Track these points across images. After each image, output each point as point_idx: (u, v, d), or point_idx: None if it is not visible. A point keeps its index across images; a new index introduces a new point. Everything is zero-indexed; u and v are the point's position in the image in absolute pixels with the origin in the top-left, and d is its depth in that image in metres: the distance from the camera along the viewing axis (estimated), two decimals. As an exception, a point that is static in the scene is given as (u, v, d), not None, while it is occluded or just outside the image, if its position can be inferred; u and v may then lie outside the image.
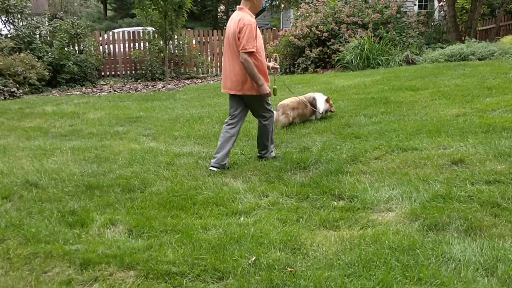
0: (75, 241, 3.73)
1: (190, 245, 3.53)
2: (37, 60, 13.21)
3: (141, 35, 15.76)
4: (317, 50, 14.23)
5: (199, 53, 16.18)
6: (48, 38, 14.88)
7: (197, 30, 17.40)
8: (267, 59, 5.64)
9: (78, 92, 12.99)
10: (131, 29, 18.17)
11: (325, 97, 7.22)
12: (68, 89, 13.76)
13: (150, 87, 13.74)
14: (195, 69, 16.20)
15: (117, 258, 3.39)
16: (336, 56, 13.64)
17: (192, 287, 3.07)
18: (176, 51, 15.76)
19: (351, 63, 13.00)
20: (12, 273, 3.29)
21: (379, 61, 12.75)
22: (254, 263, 3.24)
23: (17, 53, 13.13)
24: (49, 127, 7.94)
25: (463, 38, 14.90)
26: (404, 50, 13.21)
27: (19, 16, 15.35)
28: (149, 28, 14.90)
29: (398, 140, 5.67)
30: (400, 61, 12.62)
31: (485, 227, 3.54)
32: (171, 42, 15.03)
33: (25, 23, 14.66)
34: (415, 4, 17.11)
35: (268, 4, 30.38)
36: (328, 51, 14.24)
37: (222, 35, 16.81)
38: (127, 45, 16.05)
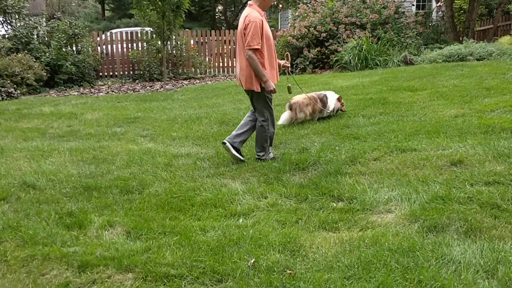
0: (73, 243, 3.71)
1: (188, 247, 3.51)
2: (34, 60, 13.17)
3: (139, 35, 15.74)
4: (315, 50, 14.23)
5: (197, 54, 16.15)
6: (46, 39, 14.85)
7: (195, 30, 17.37)
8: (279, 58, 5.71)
9: (76, 93, 12.96)
10: (129, 29, 18.15)
11: (337, 96, 7.24)
12: (66, 89, 13.72)
13: (148, 87, 13.72)
14: (193, 69, 16.18)
15: (115, 260, 3.37)
16: (335, 57, 13.64)
17: (191, 290, 3.06)
18: (174, 52, 15.74)
19: (349, 64, 13.00)
20: (9, 276, 3.27)
21: (377, 62, 12.75)
22: (253, 265, 3.22)
23: (15, 54, 13.09)
24: (47, 128, 7.92)
25: (461, 38, 14.91)
26: (402, 50, 13.22)
27: (17, 17, 15.31)
28: (147, 29, 14.87)
29: (397, 141, 5.65)
30: (398, 61, 12.62)
31: (485, 228, 3.52)
32: (169, 43, 15.01)
33: (22, 24, 14.63)
34: (413, 5, 17.12)
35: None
36: (326, 51, 14.24)
37: (220, 36, 16.80)
38: (125, 45, 16.02)
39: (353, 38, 13.63)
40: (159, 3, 12.88)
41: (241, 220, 4.01)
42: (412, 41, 13.84)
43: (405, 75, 10.09)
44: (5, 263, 3.43)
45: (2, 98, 11.43)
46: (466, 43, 12.90)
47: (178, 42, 15.70)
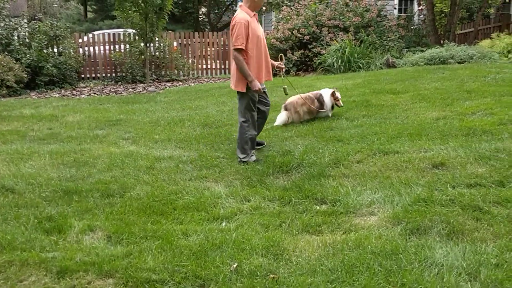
0: (52, 248, 3.63)
1: (170, 252, 3.46)
2: (15, 62, 12.96)
3: (122, 37, 15.60)
4: (299, 53, 14.27)
5: (180, 56, 16.07)
6: (27, 40, 14.63)
7: (178, 32, 17.25)
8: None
9: (57, 95, 12.79)
10: (111, 31, 17.97)
11: (331, 91, 7.23)
12: (47, 91, 13.53)
13: (130, 89, 13.60)
14: (176, 71, 16.08)
15: (96, 265, 3.31)
16: (318, 59, 13.69)
17: (172, 295, 3.01)
18: (157, 54, 15.64)
19: (332, 66, 13.04)
20: (-14, 283, 3.19)
21: (360, 64, 12.82)
22: (236, 270, 3.19)
23: (-6, 55, 12.88)
24: (27, 131, 7.79)
25: (442, 41, 15.07)
26: (384, 53, 13.31)
27: (-3, 18, 15.04)
28: (130, 30, 14.75)
29: (379, 143, 5.67)
30: (380, 64, 12.70)
31: (467, 231, 3.54)
32: (152, 44, 14.91)
33: (2, 25, 14.37)
34: (395, 8, 17.27)
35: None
36: (309, 54, 14.29)
37: (203, 38, 16.74)
38: (107, 47, 15.87)
39: (336, 41, 13.69)
40: (142, 4, 12.78)
41: (224, 224, 3.97)
42: (394, 44, 13.95)
43: (388, 78, 10.15)
44: (-18, 269, 3.35)
45: (-19, 100, 11.23)
46: (447, 46, 13.03)
47: (161, 44, 15.60)
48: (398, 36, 14.43)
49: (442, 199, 4.04)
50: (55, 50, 14.78)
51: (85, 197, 4.65)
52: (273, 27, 16.44)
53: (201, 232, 3.78)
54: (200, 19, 36.85)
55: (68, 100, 11.42)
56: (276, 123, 7.13)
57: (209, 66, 16.84)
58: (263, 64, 5.49)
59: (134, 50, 15.19)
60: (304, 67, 14.49)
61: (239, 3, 5.48)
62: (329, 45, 13.78)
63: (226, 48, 16.79)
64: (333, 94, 7.18)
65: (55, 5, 43.25)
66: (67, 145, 6.69)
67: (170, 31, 16.88)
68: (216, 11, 38.02)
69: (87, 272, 3.25)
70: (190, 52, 16.64)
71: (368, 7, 14.85)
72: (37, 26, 14.86)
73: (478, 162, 4.76)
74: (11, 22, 14.72)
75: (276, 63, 5.90)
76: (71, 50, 14.96)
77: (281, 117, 7.16)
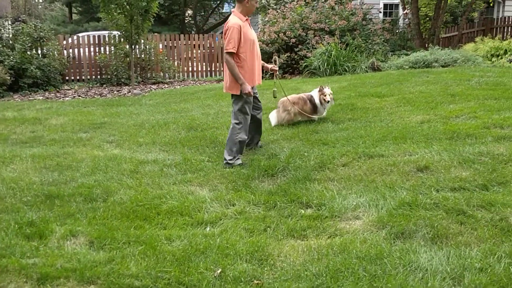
0: (33, 254, 3.57)
1: (153, 257, 3.42)
2: (-3, 64, 12.79)
3: (107, 39, 15.47)
4: (285, 56, 14.28)
5: (166, 58, 15.99)
6: (10, 42, 14.44)
7: (164, 34, 17.16)
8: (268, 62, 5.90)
9: (41, 97, 12.63)
10: (96, 33, 17.81)
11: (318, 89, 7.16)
12: (31, 94, 13.36)
13: (115, 92, 13.48)
14: (161, 74, 15.99)
15: (77, 272, 3.26)
16: (304, 62, 13.70)
17: (155, 302, 2.97)
18: (143, 56, 15.52)
19: (318, 69, 13.07)
20: (-37, 290, 3.12)
21: (346, 68, 12.86)
22: (220, 276, 3.16)
23: (-24, 57, 12.70)
24: (9, 134, 7.67)
25: (426, 45, 15.20)
26: (370, 56, 13.37)
27: (-21, 19, 14.86)
28: (115, 32, 14.64)
29: (364, 146, 5.68)
30: (366, 67, 12.75)
31: (451, 235, 3.55)
32: (137, 47, 14.81)
33: (-15, 26, 14.20)
34: (380, 12, 17.39)
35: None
36: (295, 57, 14.31)
37: (189, 40, 16.67)
38: (92, 49, 15.73)
39: (322, 44, 13.73)
40: (127, 7, 12.68)
41: (208, 229, 3.94)
42: (380, 48, 14.02)
43: (373, 81, 10.19)
44: (-40, 276, 3.27)
45: (-37, 103, 11.05)
46: (432, 50, 13.13)
47: (147, 46, 15.50)
48: (383, 39, 14.52)
49: (426, 203, 4.05)
50: (39, 52, 14.61)
51: (67, 201, 4.59)
52: (259, 30, 16.44)
53: (184, 237, 3.74)
54: (186, 21, 36.70)
55: (52, 103, 11.28)
56: (272, 124, 7.20)
57: (195, 69, 16.78)
58: (256, 68, 5.63)
59: (120, 52, 15.07)
60: (291, 70, 14.50)
61: (232, 9, 5.61)
62: (315, 48, 13.82)
63: (212, 51, 16.74)
64: (320, 90, 7.12)
65: (40, 7, 42.87)
66: (50, 149, 6.60)
67: (156, 33, 16.79)
68: (203, 13, 37.92)
69: (68, 279, 3.20)
70: (176, 55, 16.56)
71: (354, 11, 14.93)
72: (20, 27, 14.67)
73: (462, 166, 4.78)
74: (-6, 24, 14.53)
75: (270, 66, 6.07)
76: (55, 52, 14.79)
77: (273, 117, 7.21)
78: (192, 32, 33.32)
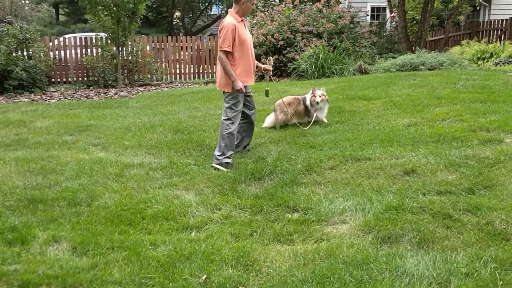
0: (14, 260, 3.50)
1: (137, 263, 3.37)
2: (-19, 65, 12.63)
3: (94, 41, 15.35)
4: (273, 58, 14.26)
5: (153, 60, 15.90)
6: (-5, 43, 14.28)
7: (151, 36, 17.09)
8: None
9: (26, 99, 12.49)
10: (84, 34, 17.69)
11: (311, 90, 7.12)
12: (16, 96, 13.21)
13: (102, 94, 13.38)
14: (149, 76, 15.91)
15: (59, 279, 3.20)
16: (292, 65, 13.70)
17: (139, 309, 2.92)
18: (130, 58, 15.43)
19: (306, 72, 13.07)
20: None
21: (334, 70, 12.88)
22: (205, 282, 3.12)
23: (-40, 58, 12.52)
24: (-8, 137, 7.56)
25: (413, 48, 15.29)
26: (357, 59, 13.41)
27: (-37, 20, 14.67)
28: (102, 34, 14.53)
29: (352, 149, 5.67)
30: (353, 70, 12.78)
31: (438, 239, 3.54)
32: (124, 49, 14.72)
33: (-31, 27, 14.02)
34: (368, 15, 17.47)
35: (224, 12, 30.35)
36: (284, 59, 14.30)
37: (177, 42, 16.61)
38: (79, 51, 15.60)
39: (310, 47, 13.74)
40: (114, 8, 12.59)
41: (193, 234, 3.89)
42: (367, 51, 14.08)
43: (360, 84, 10.21)
44: None
45: None
46: (419, 53, 13.20)
47: (134, 48, 15.41)
48: (370, 42, 14.58)
49: (413, 207, 4.05)
50: (25, 53, 14.46)
51: (50, 206, 4.51)
52: (247, 32, 16.40)
53: (169, 243, 3.69)
54: (174, 23, 36.61)
55: (37, 105, 11.15)
56: (264, 125, 7.22)
57: (182, 71, 16.71)
58: (250, 67, 5.71)
59: (106, 54, 14.97)
60: (279, 72, 14.50)
61: (229, 10, 5.73)
62: (303, 50, 13.82)
63: (200, 53, 16.69)
64: (312, 91, 7.04)
65: (27, 8, 42.49)
66: (34, 152, 6.51)
67: (144, 35, 16.72)
68: (191, 15, 37.87)
69: (50, 286, 3.14)
70: (163, 57, 16.49)
71: (341, 14, 14.97)
72: (5, 29, 14.51)
73: (448, 169, 4.79)
74: (-22, 25, 14.35)
75: (263, 66, 6.10)
76: (42, 53, 14.66)
77: (269, 119, 7.23)
78: (180, 34, 33.22)
